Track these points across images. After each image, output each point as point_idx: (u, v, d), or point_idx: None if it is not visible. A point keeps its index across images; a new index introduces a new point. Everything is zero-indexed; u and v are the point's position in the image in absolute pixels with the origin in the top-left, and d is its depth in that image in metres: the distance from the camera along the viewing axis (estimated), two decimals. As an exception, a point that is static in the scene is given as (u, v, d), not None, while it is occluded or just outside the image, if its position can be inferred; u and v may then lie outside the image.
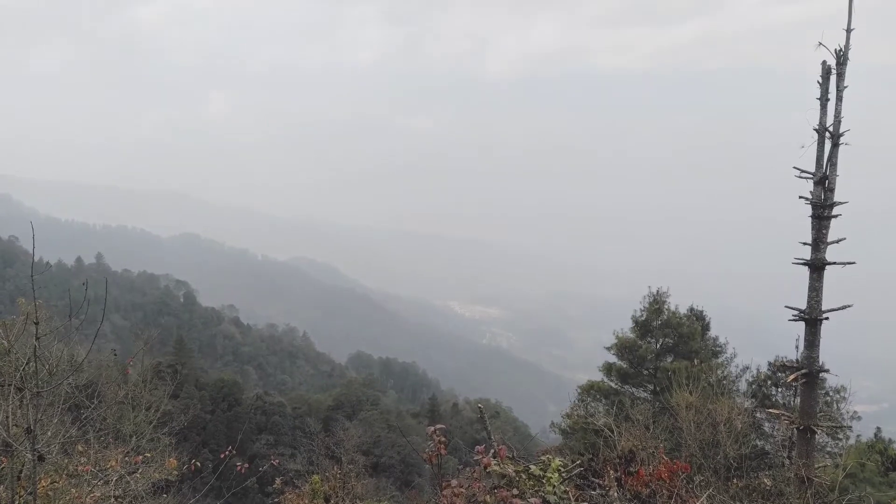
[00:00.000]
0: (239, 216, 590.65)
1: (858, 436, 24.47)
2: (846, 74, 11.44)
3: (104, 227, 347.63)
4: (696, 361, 20.70)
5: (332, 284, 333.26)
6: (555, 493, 6.55)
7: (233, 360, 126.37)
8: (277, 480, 16.32)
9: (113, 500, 10.45)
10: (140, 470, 12.48)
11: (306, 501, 15.20)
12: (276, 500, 16.69)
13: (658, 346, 26.25)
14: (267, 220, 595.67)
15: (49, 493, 9.49)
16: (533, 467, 6.79)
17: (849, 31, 11.33)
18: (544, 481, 6.63)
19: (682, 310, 27.13)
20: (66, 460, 10.87)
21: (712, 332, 27.54)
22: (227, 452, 12.02)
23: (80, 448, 11.41)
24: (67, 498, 9.59)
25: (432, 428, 6.97)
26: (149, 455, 13.74)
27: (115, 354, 22.17)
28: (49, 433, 10.88)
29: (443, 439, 6.84)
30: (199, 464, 13.08)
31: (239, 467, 12.48)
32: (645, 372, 26.14)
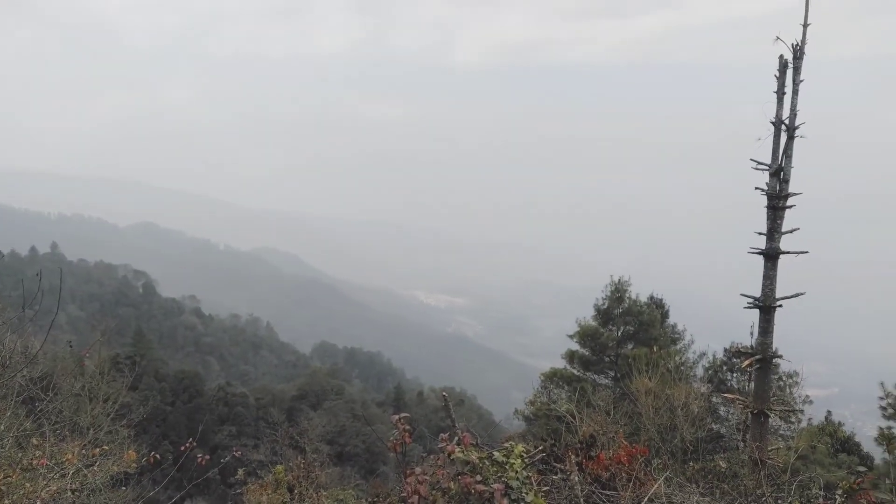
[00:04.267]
0: (200, 205, 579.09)
1: (810, 419, 25.31)
2: (802, 68, 11.75)
3: (59, 216, 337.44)
4: (655, 348, 21.16)
5: (296, 274, 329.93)
6: (517, 479, 6.64)
7: (194, 352, 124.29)
8: (240, 471, 16.19)
9: (69, 493, 10.22)
10: (98, 463, 12.23)
11: (269, 492, 15.11)
12: (238, 490, 16.56)
13: (619, 333, 26.74)
14: (229, 209, 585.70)
15: (2, 487, 9.23)
16: (496, 454, 6.87)
17: (805, 26, 11.62)
18: (507, 467, 6.71)
19: (643, 298, 27.67)
20: (21, 454, 10.59)
21: (671, 320, 28.17)
22: (187, 444, 11.84)
23: (35, 441, 11.12)
24: (22, 492, 9.34)
25: (397, 416, 6.99)
26: (107, 448, 13.45)
27: (72, 346, 21.63)
28: (2, 426, 10.57)
29: (407, 428, 6.87)
30: (158, 456, 12.85)
31: (200, 459, 12.31)
32: (606, 359, 26.62)
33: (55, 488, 9.99)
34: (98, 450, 12.34)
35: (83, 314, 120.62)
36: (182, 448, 11.81)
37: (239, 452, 14.22)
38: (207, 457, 12.84)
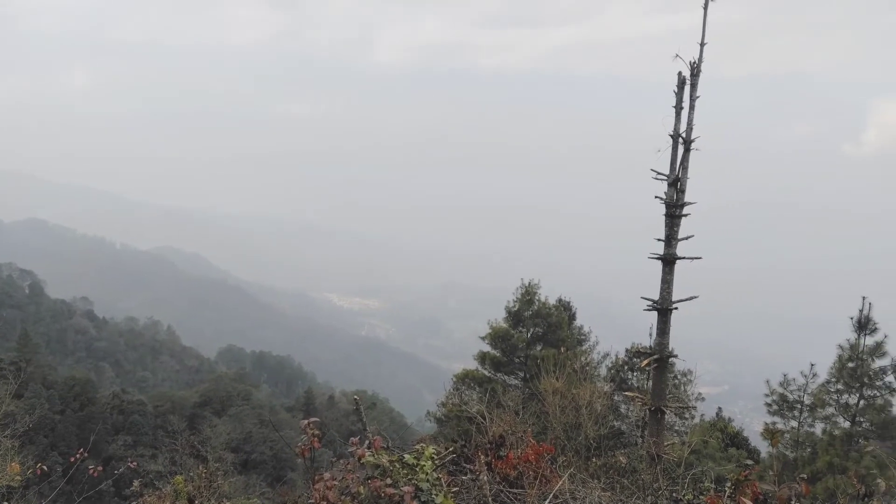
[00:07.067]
0: (95, 200, 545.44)
1: (702, 415, 26.89)
2: (699, 85, 12.47)
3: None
4: (562, 349, 21.83)
5: (201, 275, 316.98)
6: (427, 481, 6.66)
7: (86, 357, 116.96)
8: (135, 483, 15.34)
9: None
10: (-26, 478, 11.26)
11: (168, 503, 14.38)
12: (134, 503, 15.67)
13: (529, 335, 27.36)
14: (128, 206, 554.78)
15: None
16: (407, 456, 6.86)
17: (702, 45, 12.34)
18: (417, 469, 6.72)
19: (552, 300, 28.46)
20: None
21: (578, 322, 29.14)
22: (78, 455, 11.14)
23: None
24: None
25: (306, 421, 6.85)
26: (-15, 461, 12.43)
27: (-56, 351, 19.81)
28: None
29: (317, 432, 6.75)
30: (46, 468, 12.01)
31: (92, 470, 11.60)
32: (516, 360, 27.19)
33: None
34: (-25, 464, 11.38)
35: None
36: (72, 459, 11.10)
37: (135, 463, 13.51)
38: (100, 468, 12.14)
